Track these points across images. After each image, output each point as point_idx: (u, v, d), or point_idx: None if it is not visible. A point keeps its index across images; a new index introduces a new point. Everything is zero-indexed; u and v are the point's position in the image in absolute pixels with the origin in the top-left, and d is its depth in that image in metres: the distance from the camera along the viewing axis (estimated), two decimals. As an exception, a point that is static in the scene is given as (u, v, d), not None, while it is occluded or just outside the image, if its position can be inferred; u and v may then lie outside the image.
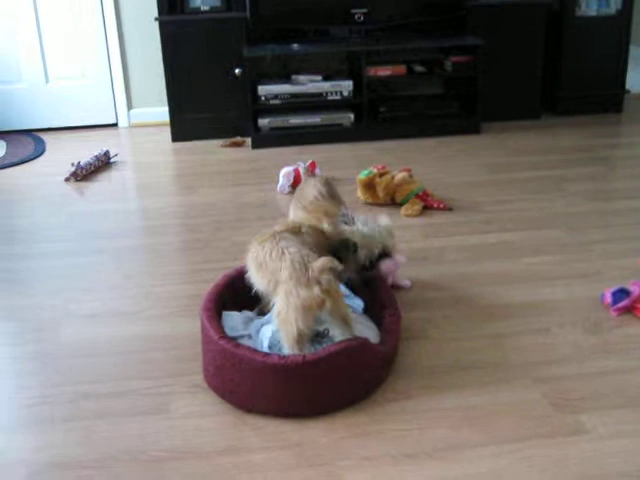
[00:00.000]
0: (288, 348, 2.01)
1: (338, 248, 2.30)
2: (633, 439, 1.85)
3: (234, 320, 2.28)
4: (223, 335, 2.07)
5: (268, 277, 2.07)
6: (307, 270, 1.99)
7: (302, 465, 1.80)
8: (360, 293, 2.42)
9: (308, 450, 1.86)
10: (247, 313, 2.35)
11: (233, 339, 2.09)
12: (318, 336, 2.16)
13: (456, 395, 2.05)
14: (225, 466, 1.82)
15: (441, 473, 1.76)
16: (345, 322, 2.07)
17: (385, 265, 2.46)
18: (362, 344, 2.03)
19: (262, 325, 2.26)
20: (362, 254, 2.38)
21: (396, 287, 2.60)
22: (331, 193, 2.62)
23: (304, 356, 1.95)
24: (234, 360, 2.00)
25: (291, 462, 1.82)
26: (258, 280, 2.13)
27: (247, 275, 2.19)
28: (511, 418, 1.95)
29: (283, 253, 2.05)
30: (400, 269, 2.62)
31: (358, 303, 2.40)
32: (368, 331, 2.22)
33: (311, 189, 2.60)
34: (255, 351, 2.01)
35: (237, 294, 2.34)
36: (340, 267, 2.04)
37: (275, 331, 2.17)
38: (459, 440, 1.87)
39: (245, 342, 2.17)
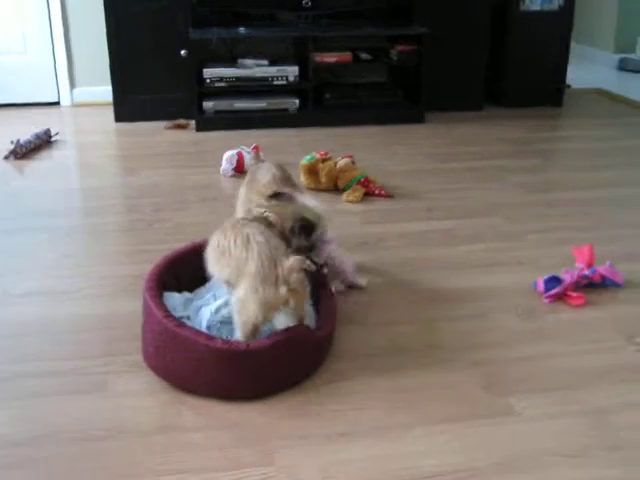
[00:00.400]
0: (241, 336, 2.00)
1: (302, 227, 2.28)
2: (560, 420, 1.91)
3: (174, 301, 2.27)
4: (168, 314, 2.05)
5: (232, 266, 2.00)
6: (276, 267, 1.93)
7: (238, 445, 1.82)
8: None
9: (245, 430, 1.87)
10: (186, 295, 2.35)
11: (176, 319, 2.08)
12: None
13: (392, 377, 2.09)
14: (162, 444, 1.82)
15: (375, 452, 1.79)
16: (300, 318, 2.05)
17: (329, 247, 2.46)
18: (304, 333, 2.04)
19: (201, 307, 2.26)
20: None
21: (352, 286, 2.58)
22: (285, 176, 2.61)
23: (248, 344, 1.96)
24: (176, 341, 1.99)
25: (227, 441, 1.83)
26: (218, 269, 2.07)
27: (206, 265, 2.12)
28: (444, 400, 1.99)
29: (249, 241, 1.98)
30: (355, 268, 2.61)
31: None
32: (308, 316, 2.24)
33: (265, 173, 2.58)
34: (199, 333, 2.01)
35: (177, 276, 2.34)
36: (312, 267, 1.98)
37: (213, 312, 2.17)
38: (394, 420, 1.91)
39: (184, 322, 2.16)
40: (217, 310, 2.20)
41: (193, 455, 1.78)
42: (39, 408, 1.95)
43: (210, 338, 1.98)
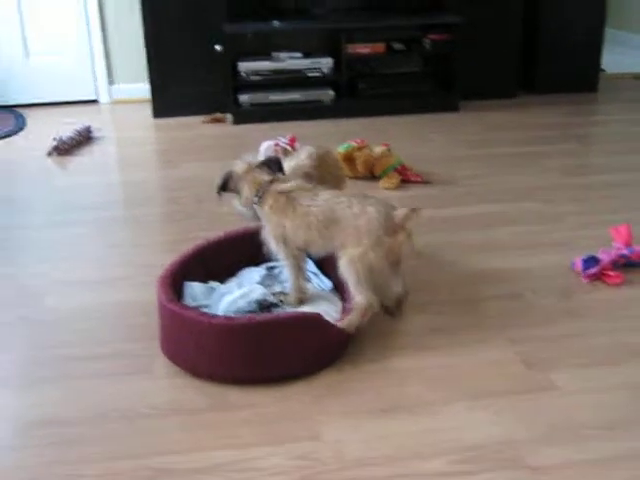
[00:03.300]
0: (360, 292, 2.11)
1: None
2: (598, 394, 1.94)
3: (195, 290, 2.32)
4: (172, 299, 2.10)
5: (348, 231, 2.11)
6: (392, 219, 2.11)
7: (284, 421, 1.87)
8: (328, 273, 2.44)
9: (290, 407, 1.92)
10: (211, 284, 2.40)
11: (180, 303, 2.13)
12: (271, 306, 2.24)
13: (432, 355, 2.13)
14: (213, 421, 1.88)
15: (417, 426, 1.84)
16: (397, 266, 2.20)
17: None
18: (312, 317, 2.06)
19: (223, 295, 2.30)
20: None
21: None
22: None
23: (250, 318, 2.02)
24: (180, 322, 2.04)
25: (274, 418, 1.89)
26: (323, 239, 2.17)
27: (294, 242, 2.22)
28: (485, 376, 2.03)
29: (364, 206, 2.11)
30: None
31: (326, 282, 2.43)
32: (331, 307, 2.26)
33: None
34: (202, 313, 2.05)
35: (205, 265, 2.39)
36: (419, 211, 2.15)
37: (230, 302, 2.22)
38: (434, 396, 1.95)
39: (204, 311, 2.20)
40: (235, 300, 2.23)
41: (244, 431, 1.84)
42: (89, 389, 2.03)
43: (212, 316, 2.03)
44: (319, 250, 2.23)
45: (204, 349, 2.01)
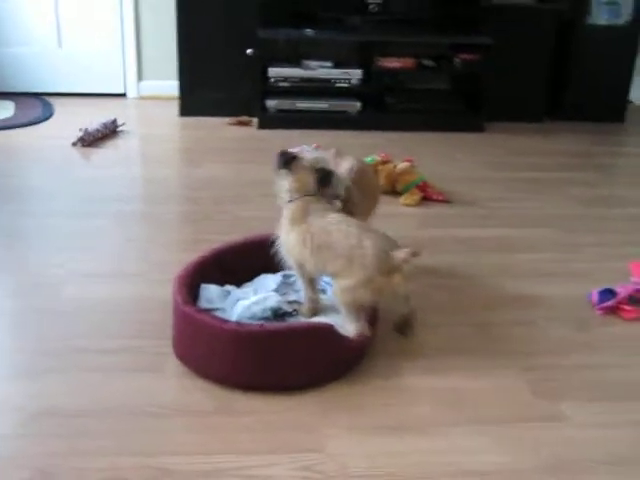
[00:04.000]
0: (350, 319, 2.11)
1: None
2: (608, 430, 1.92)
3: (211, 292, 2.33)
4: (187, 301, 2.10)
5: (342, 259, 2.08)
6: (389, 259, 2.06)
7: (290, 430, 1.87)
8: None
9: (297, 416, 1.92)
10: (228, 287, 2.40)
11: (201, 308, 2.14)
12: (285, 315, 2.24)
13: (441, 377, 2.12)
14: (217, 425, 1.88)
15: (422, 446, 1.83)
16: (407, 298, 2.24)
17: None
18: (323, 328, 2.06)
19: (238, 300, 2.30)
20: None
21: None
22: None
23: (262, 325, 2.02)
24: (194, 325, 2.04)
25: (280, 426, 1.88)
26: (321, 262, 2.15)
27: (295, 258, 2.22)
28: (494, 401, 2.02)
29: (361, 237, 2.09)
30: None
31: None
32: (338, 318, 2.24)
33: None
34: (215, 317, 2.05)
35: (222, 268, 2.40)
36: (420, 254, 2.11)
37: (246, 307, 2.21)
38: (441, 418, 1.94)
39: (218, 314, 2.21)
40: (249, 306, 2.23)
41: (248, 437, 1.84)
42: (99, 382, 2.03)
43: (224, 321, 2.02)
44: (312, 270, 2.21)
45: (214, 353, 2.02)
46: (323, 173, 2.24)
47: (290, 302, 2.30)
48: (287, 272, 2.45)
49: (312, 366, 2.04)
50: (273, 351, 1.99)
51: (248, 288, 2.41)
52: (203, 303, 2.27)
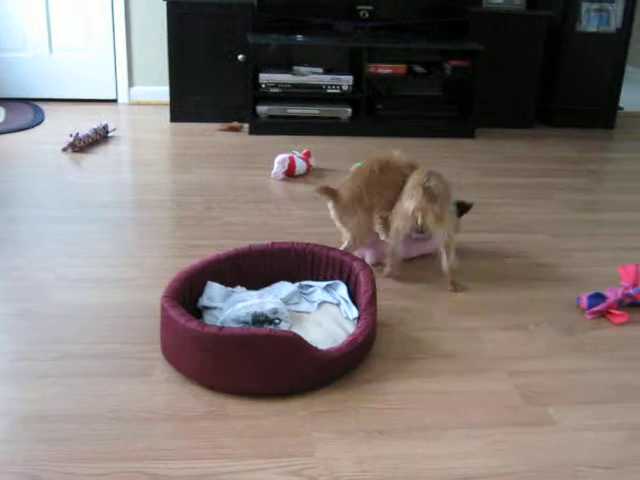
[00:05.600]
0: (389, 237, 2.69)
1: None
2: (597, 433, 1.93)
3: (213, 291, 2.34)
4: (167, 295, 2.13)
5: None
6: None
7: (279, 435, 1.87)
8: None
9: (287, 421, 1.92)
10: (234, 288, 2.41)
11: (173, 300, 2.14)
12: (265, 322, 2.22)
13: (431, 381, 2.12)
14: (207, 430, 1.88)
15: (411, 451, 1.83)
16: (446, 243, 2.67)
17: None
18: (289, 337, 2.00)
19: (238, 301, 2.29)
20: None
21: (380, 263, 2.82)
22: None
23: (221, 327, 2.01)
24: (165, 319, 2.08)
25: (269, 431, 1.88)
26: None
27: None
28: (482, 405, 2.02)
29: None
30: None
31: (353, 311, 2.37)
32: (340, 335, 2.24)
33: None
34: (183, 314, 2.04)
35: (240, 271, 2.45)
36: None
37: (237, 309, 2.20)
38: (430, 422, 1.94)
39: (215, 313, 2.27)
40: (240, 309, 2.21)
41: (238, 442, 1.83)
42: (88, 387, 2.03)
43: (190, 320, 2.02)
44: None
45: (195, 357, 2.02)
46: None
47: (275, 311, 2.24)
48: (305, 282, 2.48)
49: (270, 374, 2.00)
50: (228, 354, 1.98)
51: (255, 292, 2.41)
52: (204, 300, 2.29)
